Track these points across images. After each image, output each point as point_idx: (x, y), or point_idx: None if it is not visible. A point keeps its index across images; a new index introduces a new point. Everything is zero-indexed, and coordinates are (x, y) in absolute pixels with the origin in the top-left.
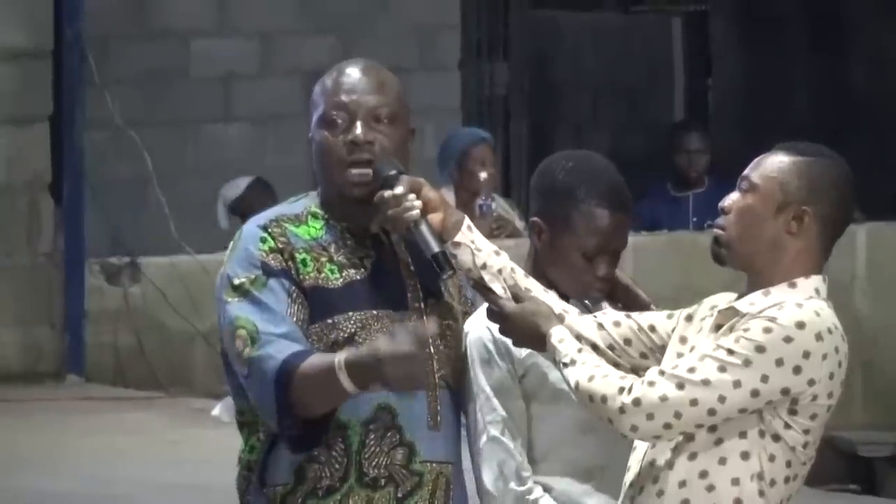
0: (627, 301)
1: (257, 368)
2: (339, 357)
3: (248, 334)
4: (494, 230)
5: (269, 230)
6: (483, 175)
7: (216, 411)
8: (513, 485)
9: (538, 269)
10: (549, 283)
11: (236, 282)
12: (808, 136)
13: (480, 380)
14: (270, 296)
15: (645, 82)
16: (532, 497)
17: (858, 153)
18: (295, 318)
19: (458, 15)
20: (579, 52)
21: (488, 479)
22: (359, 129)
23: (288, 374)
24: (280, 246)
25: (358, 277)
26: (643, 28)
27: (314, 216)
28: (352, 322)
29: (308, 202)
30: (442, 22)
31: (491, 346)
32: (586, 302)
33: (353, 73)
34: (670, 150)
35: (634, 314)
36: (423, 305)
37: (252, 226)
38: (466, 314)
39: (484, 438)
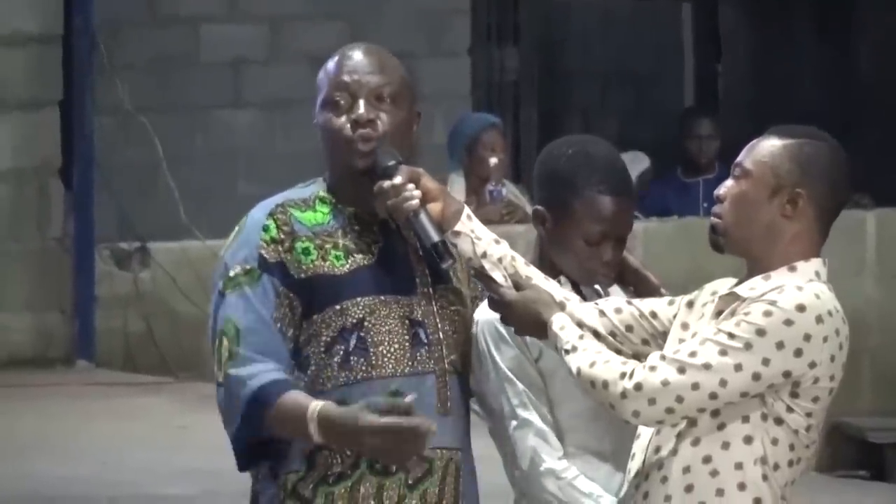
0: (637, 284)
1: (231, 386)
2: (314, 406)
3: (230, 344)
4: (504, 216)
5: (274, 217)
6: (493, 160)
7: None
8: (548, 463)
9: (545, 257)
10: (556, 271)
11: (232, 273)
12: (817, 123)
13: (499, 364)
14: (261, 294)
15: (655, 68)
16: (568, 475)
17: (867, 140)
18: (279, 323)
19: (467, 0)
20: (589, 38)
21: (523, 460)
22: (361, 107)
23: (258, 406)
24: (282, 236)
25: (365, 263)
26: (653, 14)
27: (322, 201)
28: (360, 307)
29: (316, 188)
30: (452, 7)
31: (502, 329)
32: (597, 288)
33: (354, 54)
34: (680, 136)
35: (636, 301)
36: (430, 290)
37: (258, 212)
38: (476, 300)
39: (514, 423)
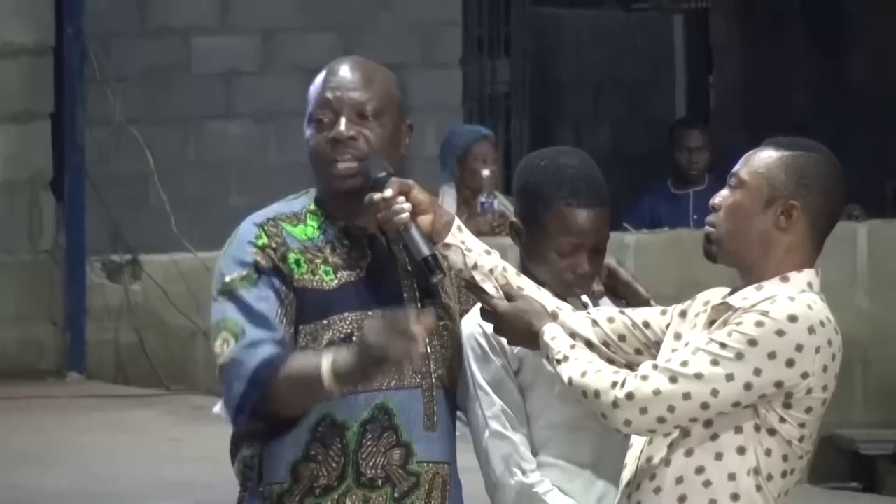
0: (629, 297)
1: (237, 364)
2: (326, 358)
3: (233, 335)
4: (496, 227)
5: (265, 228)
6: (485, 172)
7: (217, 408)
8: (518, 477)
9: (525, 270)
10: (538, 283)
11: (227, 279)
12: (808, 133)
13: (477, 376)
14: (259, 296)
15: (646, 79)
16: (540, 490)
17: (858, 150)
18: (279, 318)
19: (459, 12)
20: (581, 49)
21: (495, 473)
22: (342, 125)
23: (268, 372)
24: (273, 245)
25: (353, 279)
26: (644, 25)
27: (312, 214)
28: (347, 322)
29: (307, 200)
30: (443, 19)
31: (483, 342)
32: (584, 300)
33: (340, 70)
34: (671, 147)
35: (628, 310)
36: (419, 306)
37: (248, 223)
38: (465, 313)
39: (486, 434)
